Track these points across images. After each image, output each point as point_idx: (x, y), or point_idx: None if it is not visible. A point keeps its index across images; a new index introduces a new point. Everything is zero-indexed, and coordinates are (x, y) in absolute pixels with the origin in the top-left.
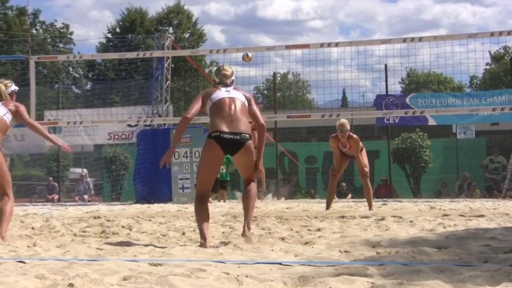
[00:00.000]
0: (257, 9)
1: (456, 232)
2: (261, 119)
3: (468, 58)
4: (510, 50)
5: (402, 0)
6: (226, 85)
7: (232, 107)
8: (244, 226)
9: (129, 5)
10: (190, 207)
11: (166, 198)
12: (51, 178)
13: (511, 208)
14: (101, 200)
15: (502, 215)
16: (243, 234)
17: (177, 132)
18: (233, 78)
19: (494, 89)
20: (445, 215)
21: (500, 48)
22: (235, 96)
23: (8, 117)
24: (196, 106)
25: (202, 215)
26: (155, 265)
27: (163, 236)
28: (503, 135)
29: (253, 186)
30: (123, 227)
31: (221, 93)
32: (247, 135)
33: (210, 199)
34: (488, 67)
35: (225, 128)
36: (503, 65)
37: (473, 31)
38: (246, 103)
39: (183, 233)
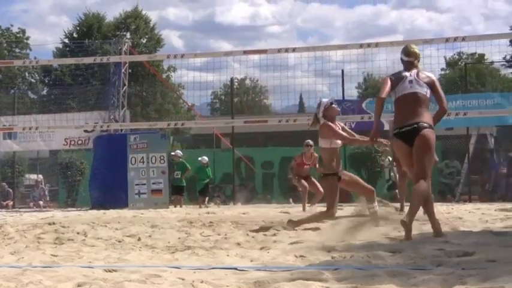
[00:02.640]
0: (215, 15)
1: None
2: (445, 104)
3: (424, 63)
4: (464, 56)
5: (359, 6)
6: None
7: (413, 104)
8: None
9: (86, 10)
10: (147, 213)
11: (123, 203)
12: (5, 184)
13: (465, 212)
14: (56, 206)
15: (455, 218)
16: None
17: (375, 113)
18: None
19: (449, 94)
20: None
21: (455, 54)
22: (416, 91)
23: None
24: (388, 88)
25: (422, 204)
26: (110, 271)
27: (119, 242)
28: (458, 140)
29: (421, 184)
30: (78, 233)
31: (405, 85)
32: (425, 124)
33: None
34: (443, 72)
35: (403, 123)
36: (459, 70)
37: (429, 37)
38: (428, 91)
39: (139, 239)
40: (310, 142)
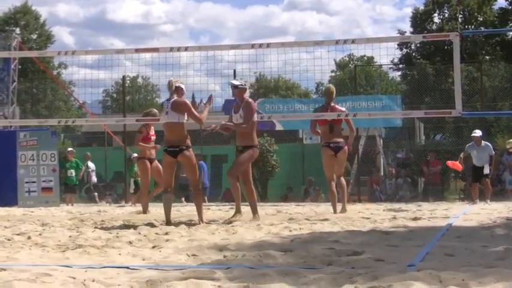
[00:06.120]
0: (107, 12)
1: (301, 235)
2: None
3: (315, 65)
4: (354, 58)
5: (251, 7)
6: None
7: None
8: None
9: None
10: (37, 211)
11: (12, 201)
12: None
13: (354, 212)
14: None
15: (345, 218)
16: None
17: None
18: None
19: (340, 95)
20: (291, 218)
21: (345, 56)
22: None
23: None
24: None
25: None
26: None
27: (8, 240)
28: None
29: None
30: None
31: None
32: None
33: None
34: (333, 74)
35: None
36: (349, 72)
37: (319, 39)
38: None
39: (29, 237)
40: None
